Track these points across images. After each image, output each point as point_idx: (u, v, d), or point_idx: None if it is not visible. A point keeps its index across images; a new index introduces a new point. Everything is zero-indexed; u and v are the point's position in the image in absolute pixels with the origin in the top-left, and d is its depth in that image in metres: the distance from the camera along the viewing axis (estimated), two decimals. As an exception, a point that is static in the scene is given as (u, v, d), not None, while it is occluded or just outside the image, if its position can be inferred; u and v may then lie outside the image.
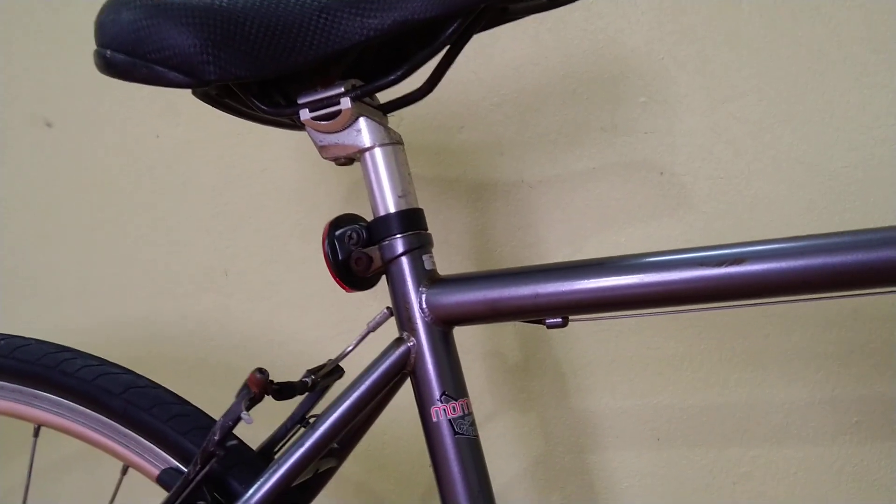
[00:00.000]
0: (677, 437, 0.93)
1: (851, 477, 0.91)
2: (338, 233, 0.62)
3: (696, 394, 0.92)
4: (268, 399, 0.61)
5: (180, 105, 1.02)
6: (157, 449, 0.65)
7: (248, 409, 0.59)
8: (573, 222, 0.94)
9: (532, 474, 0.97)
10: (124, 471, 0.71)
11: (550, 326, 0.59)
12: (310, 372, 0.65)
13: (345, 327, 1.00)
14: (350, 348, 0.66)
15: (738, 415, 0.92)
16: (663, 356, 0.93)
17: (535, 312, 0.59)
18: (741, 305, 0.55)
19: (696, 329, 0.92)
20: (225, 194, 1.02)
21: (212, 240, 1.02)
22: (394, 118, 0.95)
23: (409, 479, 0.99)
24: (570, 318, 0.59)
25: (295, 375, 0.65)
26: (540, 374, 0.96)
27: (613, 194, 0.93)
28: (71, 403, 0.68)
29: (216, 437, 0.59)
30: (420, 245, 0.61)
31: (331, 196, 1.00)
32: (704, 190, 0.91)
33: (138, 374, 0.69)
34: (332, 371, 0.68)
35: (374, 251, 0.62)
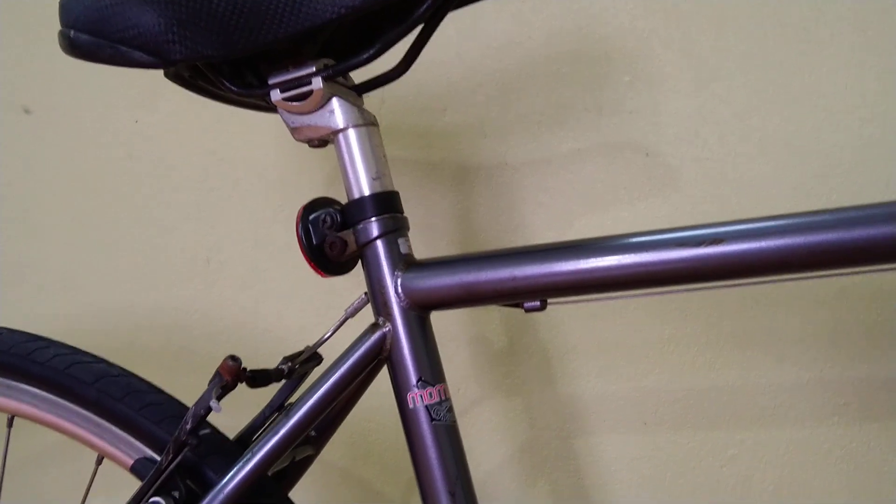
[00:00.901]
0: (664, 421, 0.93)
1: (840, 459, 0.91)
2: (311, 217, 0.61)
3: (682, 376, 0.92)
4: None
5: (160, 89, 1.00)
6: (131, 438, 0.64)
7: (219, 397, 0.58)
8: (558, 204, 0.92)
9: (518, 460, 0.96)
10: (99, 461, 0.70)
11: (528, 310, 0.58)
12: (286, 359, 0.64)
13: (331, 314, 0.98)
14: (328, 334, 0.66)
15: (725, 397, 0.92)
16: (650, 339, 0.92)
17: (512, 296, 0.57)
18: (722, 286, 0.54)
19: (683, 311, 0.91)
20: (206, 181, 1.00)
21: (193, 227, 1.01)
22: (375, 100, 0.94)
23: (395, 465, 0.99)
24: (549, 301, 0.58)
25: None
26: (525, 358, 0.95)
27: (598, 176, 0.91)
28: (44, 393, 0.67)
29: (188, 426, 0.58)
30: (395, 228, 0.60)
31: (313, 180, 0.98)
32: (691, 171, 0.90)
33: (111, 363, 0.67)
34: (310, 358, 0.67)
35: (348, 235, 0.60)
